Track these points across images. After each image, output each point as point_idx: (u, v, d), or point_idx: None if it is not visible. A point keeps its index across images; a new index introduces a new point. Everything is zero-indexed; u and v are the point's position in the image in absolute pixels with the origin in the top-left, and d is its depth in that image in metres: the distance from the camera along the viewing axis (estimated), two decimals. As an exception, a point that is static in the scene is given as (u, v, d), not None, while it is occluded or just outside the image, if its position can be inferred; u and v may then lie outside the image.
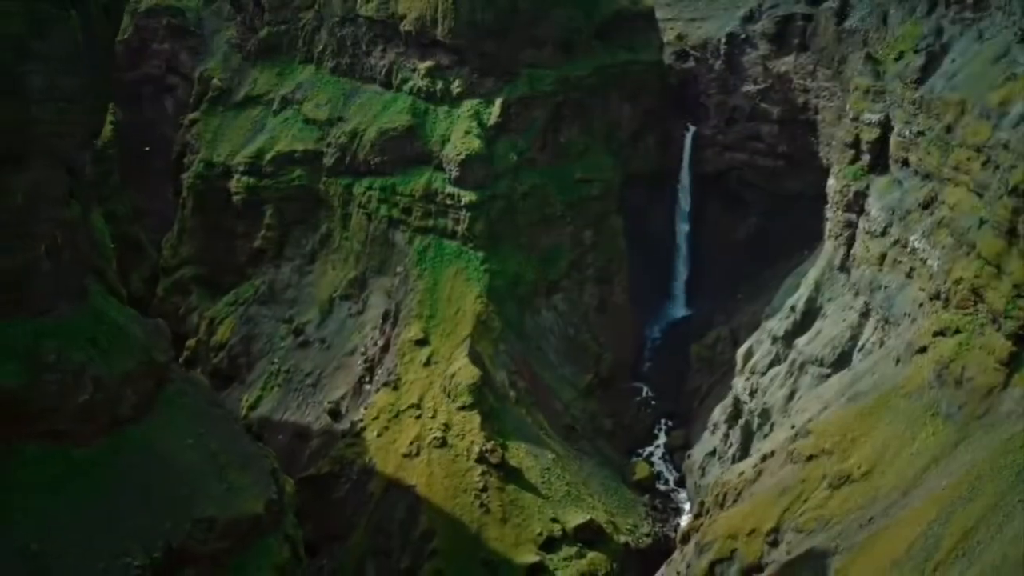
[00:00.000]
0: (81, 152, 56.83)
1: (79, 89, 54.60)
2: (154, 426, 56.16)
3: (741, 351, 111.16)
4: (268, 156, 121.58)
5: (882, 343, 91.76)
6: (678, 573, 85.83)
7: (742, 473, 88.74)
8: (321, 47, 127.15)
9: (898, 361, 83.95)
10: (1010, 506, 64.59)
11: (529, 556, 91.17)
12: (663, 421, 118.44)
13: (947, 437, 73.94)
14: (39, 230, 53.52)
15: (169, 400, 58.42)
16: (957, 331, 78.18)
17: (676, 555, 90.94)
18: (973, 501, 66.79)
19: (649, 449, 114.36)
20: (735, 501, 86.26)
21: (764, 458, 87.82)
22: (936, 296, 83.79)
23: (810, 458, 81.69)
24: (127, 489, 52.72)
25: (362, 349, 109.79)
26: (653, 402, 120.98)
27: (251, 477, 58.21)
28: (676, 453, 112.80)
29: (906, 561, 66.50)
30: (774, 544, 78.65)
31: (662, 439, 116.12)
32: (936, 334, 79.86)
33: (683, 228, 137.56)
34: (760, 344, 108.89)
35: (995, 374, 73.08)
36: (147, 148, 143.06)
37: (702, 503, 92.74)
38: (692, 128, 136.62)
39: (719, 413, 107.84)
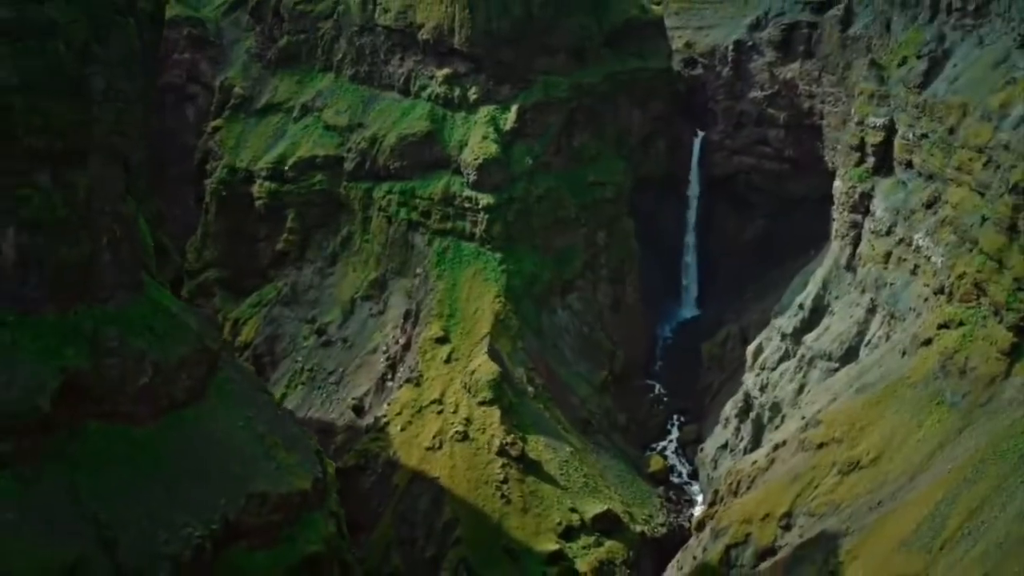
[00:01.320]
0: (134, 151, 60.47)
1: (134, 91, 58.43)
2: (207, 409, 59.81)
3: (751, 348, 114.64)
4: (290, 161, 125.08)
5: (888, 337, 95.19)
6: (694, 558, 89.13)
7: (755, 462, 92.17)
8: (340, 56, 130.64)
9: (904, 353, 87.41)
10: (1013, 487, 67.91)
11: (549, 544, 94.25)
12: (675, 417, 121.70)
13: (952, 424, 77.39)
14: (100, 224, 57.25)
15: (220, 385, 62.07)
16: (961, 323, 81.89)
17: (692, 541, 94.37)
18: (977, 483, 70.11)
19: (662, 444, 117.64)
20: (748, 488, 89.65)
21: (776, 447, 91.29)
22: (940, 291, 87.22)
23: (820, 446, 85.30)
24: (184, 466, 56.37)
25: (384, 347, 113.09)
26: (665, 399, 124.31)
27: (297, 457, 61.96)
28: (688, 447, 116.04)
29: (914, 540, 69.75)
30: (787, 528, 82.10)
31: (675, 434, 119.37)
32: (940, 327, 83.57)
33: (692, 230, 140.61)
34: (769, 341, 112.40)
35: (997, 364, 76.83)
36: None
37: (716, 492, 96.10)
38: (701, 133, 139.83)
39: (730, 408, 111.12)
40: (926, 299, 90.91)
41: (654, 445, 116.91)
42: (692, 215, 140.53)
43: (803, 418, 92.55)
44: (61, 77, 54.48)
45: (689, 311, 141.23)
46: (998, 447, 71.62)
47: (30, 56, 53.33)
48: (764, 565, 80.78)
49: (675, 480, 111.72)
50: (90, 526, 50.89)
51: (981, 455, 72.11)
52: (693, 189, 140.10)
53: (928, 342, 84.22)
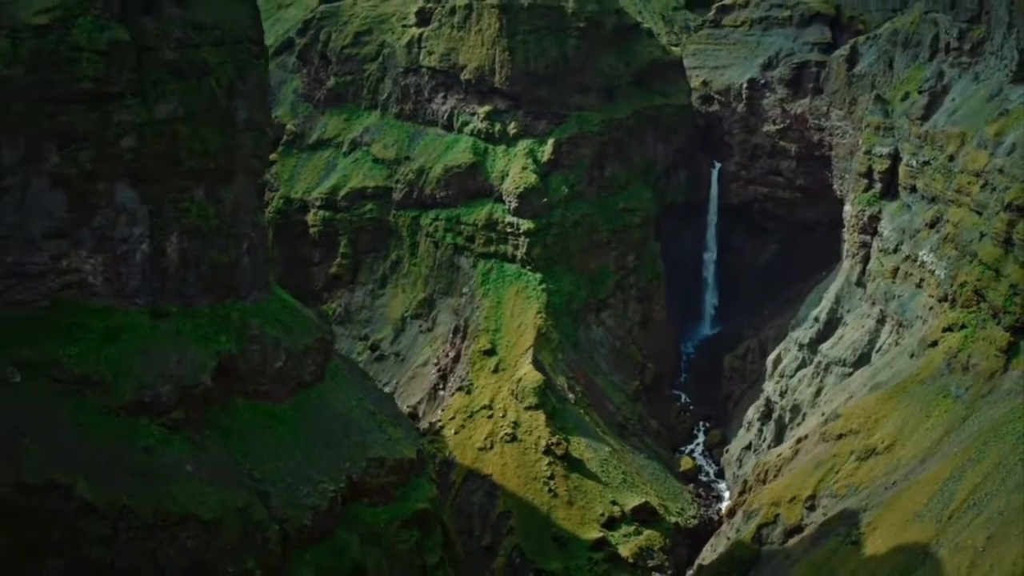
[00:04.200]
0: (264, 172, 71.34)
1: (266, 120, 69.34)
2: (327, 389, 70.15)
3: (770, 358, 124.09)
4: (342, 192, 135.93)
5: (897, 343, 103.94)
6: (728, 539, 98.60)
7: (780, 454, 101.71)
8: (386, 95, 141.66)
9: (913, 355, 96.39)
10: (1011, 464, 76.16)
11: (593, 533, 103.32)
12: (701, 423, 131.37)
13: (957, 414, 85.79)
14: (242, 232, 67.98)
15: (334, 370, 72.56)
16: (963, 326, 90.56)
17: (724, 527, 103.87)
18: (980, 462, 78.23)
19: (690, 447, 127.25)
20: (775, 477, 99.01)
21: (799, 440, 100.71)
22: (944, 299, 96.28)
23: (840, 437, 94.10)
24: (315, 435, 66.61)
25: (435, 360, 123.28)
26: (691, 407, 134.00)
27: (402, 431, 72.46)
28: (714, 450, 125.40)
29: (925, 513, 77.86)
30: (812, 508, 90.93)
31: (701, 438, 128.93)
32: (945, 330, 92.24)
33: (711, 254, 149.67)
34: (788, 351, 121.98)
35: (996, 360, 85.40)
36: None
37: (745, 482, 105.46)
38: (718, 164, 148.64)
39: (752, 413, 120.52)
40: (931, 307, 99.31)
41: (683, 448, 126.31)
42: (711, 240, 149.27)
43: (823, 415, 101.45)
44: (214, 109, 65.35)
45: (709, 329, 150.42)
46: (998, 431, 79.80)
47: (191, 92, 64.20)
48: (792, 541, 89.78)
49: (703, 479, 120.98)
50: (248, 480, 61.24)
51: (983, 438, 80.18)
52: (712, 216, 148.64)
53: (934, 344, 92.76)
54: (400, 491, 68.16)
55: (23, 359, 58.41)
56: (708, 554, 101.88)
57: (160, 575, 56.38)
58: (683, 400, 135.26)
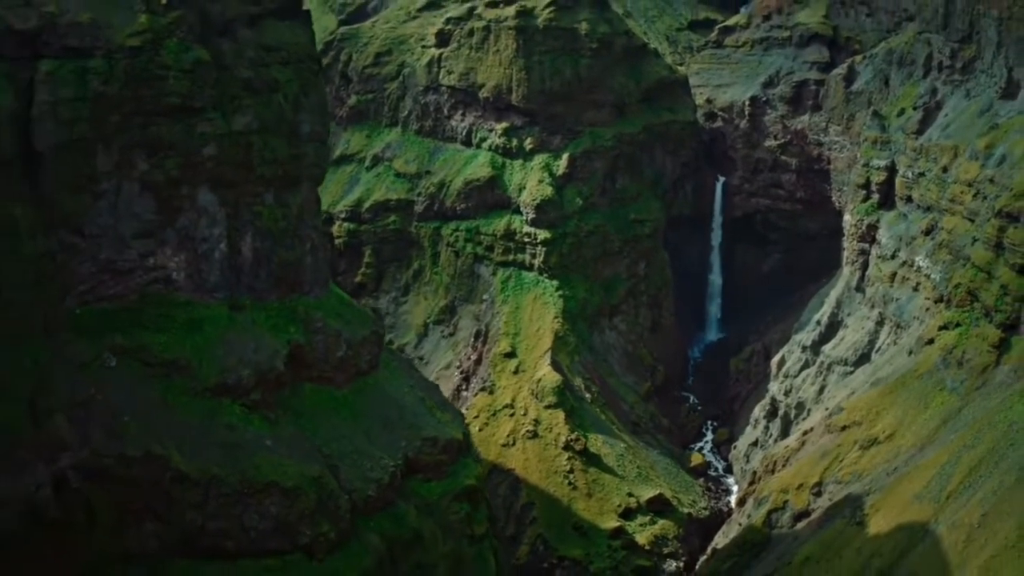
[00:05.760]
0: (323, 180, 78.36)
1: (326, 132, 76.45)
2: (381, 377, 77.04)
3: (775, 360, 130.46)
4: (366, 205, 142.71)
5: (895, 342, 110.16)
6: (739, 524, 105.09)
7: (787, 446, 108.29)
8: (406, 112, 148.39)
9: (911, 352, 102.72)
10: (1003, 449, 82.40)
11: (611, 522, 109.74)
12: (709, 422, 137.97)
13: (952, 405, 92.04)
14: (305, 233, 74.98)
15: (386, 361, 79.50)
16: (958, 324, 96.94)
17: (735, 515, 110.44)
18: (975, 448, 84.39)
19: (700, 444, 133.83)
20: (783, 466, 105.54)
21: (805, 433, 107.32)
22: (939, 300, 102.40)
23: (844, 428, 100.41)
24: (374, 418, 73.48)
25: (457, 363, 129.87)
26: (699, 407, 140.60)
27: (450, 416, 79.42)
28: (722, 447, 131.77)
29: (925, 495, 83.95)
30: (818, 494, 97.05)
31: (709, 436, 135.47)
32: (941, 328, 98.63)
33: (716, 264, 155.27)
34: (791, 353, 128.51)
35: (989, 355, 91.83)
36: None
37: (754, 472, 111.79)
38: (722, 178, 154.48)
39: (758, 411, 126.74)
40: (927, 308, 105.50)
41: (692, 445, 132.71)
42: (716, 250, 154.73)
43: (827, 409, 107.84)
44: (283, 122, 72.38)
45: (714, 335, 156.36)
46: (991, 419, 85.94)
47: (263, 106, 71.18)
48: (800, 525, 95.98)
49: (712, 473, 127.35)
50: (318, 455, 68.06)
51: (977, 427, 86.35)
52: (716, 227, 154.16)
53: (931, 341, 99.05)
54: (450, 468, 75.16)
55: (117, 346, 65.16)
56: (721, 540, 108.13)
57: (246, 536, 63.21)
58: (691, 401, 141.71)
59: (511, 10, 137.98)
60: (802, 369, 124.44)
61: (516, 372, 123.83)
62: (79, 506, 59.58)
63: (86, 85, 64.12)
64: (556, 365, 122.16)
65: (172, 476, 61.82)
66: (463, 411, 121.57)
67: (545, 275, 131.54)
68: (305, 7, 79.62)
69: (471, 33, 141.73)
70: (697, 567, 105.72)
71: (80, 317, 65.31)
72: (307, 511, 64.26)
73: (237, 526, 63.09)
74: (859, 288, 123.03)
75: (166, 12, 67.06)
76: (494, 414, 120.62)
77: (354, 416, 72.43)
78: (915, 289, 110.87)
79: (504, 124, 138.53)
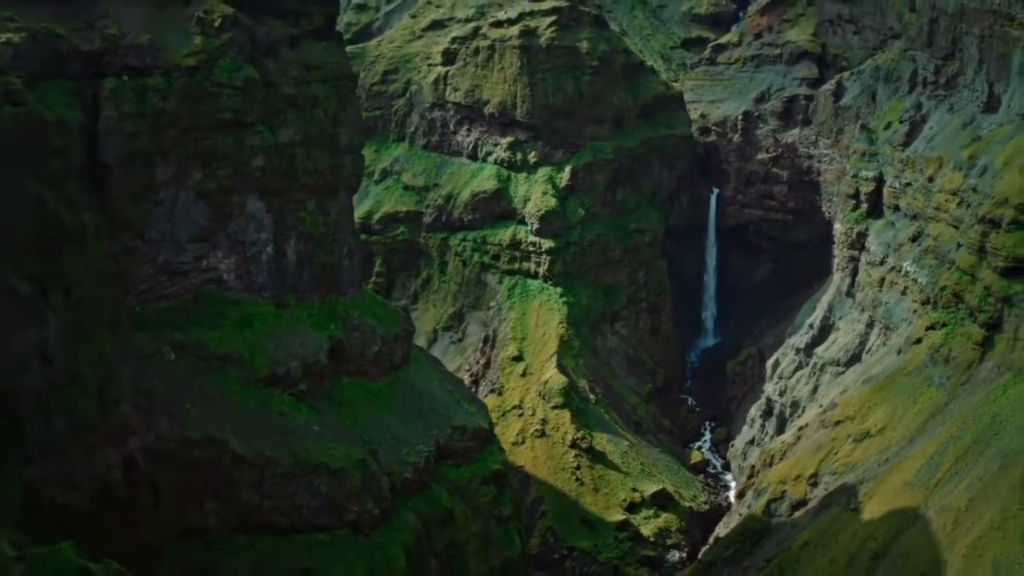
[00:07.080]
0: (358, 189, 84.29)
1: (361, 145, 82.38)
2: (412, 371, 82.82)
3: (770, 362, 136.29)
4: (376, 216, 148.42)
5: (885, 343, 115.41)
6: (740, 515, 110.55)
7: (784, 441, 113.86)
8: (413, 128, 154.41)
9: (899, 351, 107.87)
10: (987, 439, 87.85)
11: (617, 516, 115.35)
12: (707, 422, 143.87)
13: (940, 400, 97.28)
14: (343, 238, 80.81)
15: (415, 357, 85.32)
16: (944, 325, 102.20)
17: (735, 507, 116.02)
18: (961, 439, 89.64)
19: (699, 443, 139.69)
20: (781, 459, 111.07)
21: (800, 429, 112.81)
22: (926, 302, 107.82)
23: (837, 423, 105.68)
24: (407, 408, 79.25)
25: (466, 367, 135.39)
26: (697, 409, 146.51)
27: (475, 407, 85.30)
28: (721, 445, 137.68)
29: (915, 482, 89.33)
30: (815, 485, 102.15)
31: (708, 435, 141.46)
32: (928, 328, 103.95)
33: (710, 272, 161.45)
34: (785, 355, 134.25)
35: (973, 353, 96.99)
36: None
37: (753, 467, 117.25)
38: (716, 190, 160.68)
39: (755, 411, 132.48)
40: (915, 310, 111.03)
41: (692, 443, 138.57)
42: (710, 259, 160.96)
43: (821, 406, 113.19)
44: (323, 135, 78.34)
45: (709, 341, 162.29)
46: (976, 412, 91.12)
47: (305, 121, 77.09)
48: (798, 513, 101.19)
49: (711, 471, 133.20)
50: (360, 441, 73.86)
51: (963, 419, 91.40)
52: (711, 237, 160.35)
53: (918, 341, 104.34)
54: (478, 455, 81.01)
55: (175, 341, 70.77)
56: (722, 530, 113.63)
57: (298, 514, 68.92)
58: (690, 402, 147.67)
59: (515, 29, 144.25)
60: (796, 370, 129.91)
61: (524, 375, 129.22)
62: (145, 486, 64.89)
63: (146, 102, 69.54)
64: (562, 368, 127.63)
65: (230, 458, 67.35)
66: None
67: (550, 283, 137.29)
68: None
69: (476, 52, 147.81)
70: (700, 555, 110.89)
71: (140, 315, 70.78)
72: (354, 490, 69.87)
73: (290, 504, 68.70)
74: (850, 293, 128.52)
75: (219, 34, 72.73)
76: (503, 414, 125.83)
77: (389, 406, 78.17)
78: (903, 293, 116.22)
79: (509, 138, 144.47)
